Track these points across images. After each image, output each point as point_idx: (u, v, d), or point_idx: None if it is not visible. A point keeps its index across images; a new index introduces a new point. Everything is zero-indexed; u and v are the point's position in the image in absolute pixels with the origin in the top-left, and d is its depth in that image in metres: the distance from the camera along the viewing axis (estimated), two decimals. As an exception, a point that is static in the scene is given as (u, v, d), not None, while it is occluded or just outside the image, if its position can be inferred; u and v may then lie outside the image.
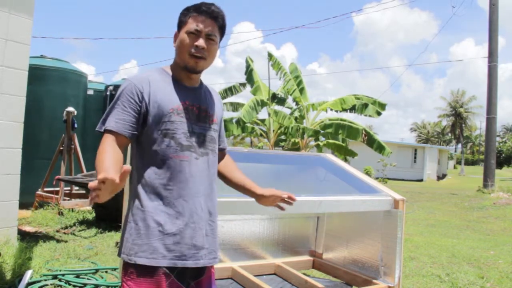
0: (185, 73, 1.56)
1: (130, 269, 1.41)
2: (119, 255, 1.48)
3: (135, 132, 1.46)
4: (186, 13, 1.55)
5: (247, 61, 15.29)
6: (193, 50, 1.50)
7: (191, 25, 1.52)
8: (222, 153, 1.81)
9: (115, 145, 1.40)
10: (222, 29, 1.59)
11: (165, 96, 1.50)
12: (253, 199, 1.95)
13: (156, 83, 1.51)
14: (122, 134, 1.43)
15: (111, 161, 1.32)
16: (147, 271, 1.40)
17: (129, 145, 1.54)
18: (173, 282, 1.43)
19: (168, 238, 1.42)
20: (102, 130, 1.44)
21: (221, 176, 1.80)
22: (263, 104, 14.34)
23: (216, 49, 1.58)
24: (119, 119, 1.44)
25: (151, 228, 1.42)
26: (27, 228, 5.17)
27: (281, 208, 1.79)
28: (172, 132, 1.47)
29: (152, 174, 1.46)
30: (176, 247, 1.43)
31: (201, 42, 1.50)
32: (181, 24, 1.56)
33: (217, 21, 1.55)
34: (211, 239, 1.54)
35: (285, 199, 1.76)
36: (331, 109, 14.77)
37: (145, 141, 1.48)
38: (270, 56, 15.22)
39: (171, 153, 1.47)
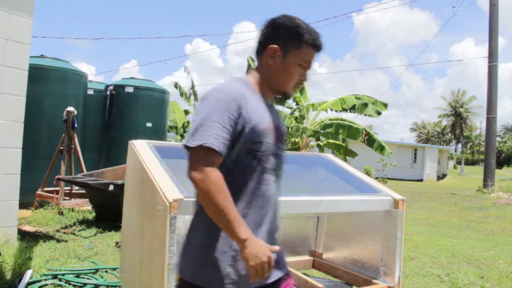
0: (269, 92, 1.47)
1: None
2: None
3: (226, 152, 1.30)
4: (299, 38, 1.42)
5: (248, 61, 15.28)
6: (298, 83, 1.47)
7: (306, 57, 1.43)
8: None
9: (218, 171, 1.27)
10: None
11: (258, 114, 1.36)
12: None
13: (249, 99, 1.36)
14: (220, 153, 1.27)
15: (236, 210, 1.26)
16: None
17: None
18: None
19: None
20: (195, 145, 1.27)
21: None
22: (263, 104, 14.34)
23: None
24: (217, 135, 1.26)
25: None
26: (27, 228, 5.17)
27: None
28: (260, 154, 1.36)
29: (235, 198, 1.30)
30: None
31: (306, 77, 1.47)
32: (289, 47, 1.42)
33: (320, 52, 1.48)
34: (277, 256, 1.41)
35: None
36: (331, 109, 14.76)
37: (229, 163, 1.34)
38: (270, 56, 15.21)
39: (255, 175, 1.37)
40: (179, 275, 1.40)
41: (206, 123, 1.28)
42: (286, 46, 1.42)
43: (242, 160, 1.35)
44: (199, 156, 1.27)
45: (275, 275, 1.42)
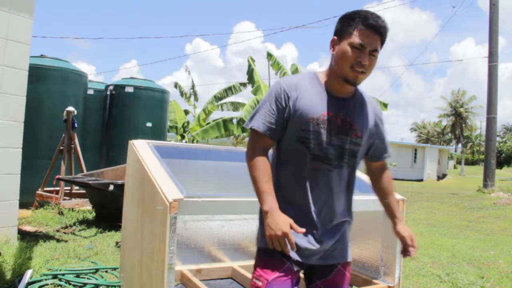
0: (339, 82, 1.53)
1: None
2: None
3: (277, 135, 1.54)
4: (351, 22, 1.48)
5: (248, 61, 15.27)
6: (356, 65, 1.47)
7: (356, 38, 1.46)
8: (381, 165, 1.75)
9: (262, 151, 1.53)
10: (384, 42, 1.53)
11: (309, 105, 1.51)
12: (253, 199, 1.96)
13: (304, 90, 1.53)
14: (266, 135, 1.52)
15: (269, 185, 1.49)
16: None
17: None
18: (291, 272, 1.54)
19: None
20: (249, 127, 1.55)
21: (377, 192, 1.80)
22: (263, 104, 14.34)
23: (376, 62, 1.54)
24: (265, 121, 1.52)
25: None
26: (27, 228, 5.17)
27: (405, 255, 1.71)
28: (308, 141, 1.51)
29: (285, 178, 1.55)
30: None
31: (365, 59, 1.47)
32: (343, 33, 1.50)
33: (382, 35, 1.50)
34: (333, 242, 1.59)
35: (408, 249, 1.69)
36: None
37: (284, 145, 1.56)
38: (269, 56, 15.21)
39: (304, 161, 1.52)
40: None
41: (259, 109, 1.55)
42: (341, 34, 1.51)
43: (293, 145, 1.53)
44: (250, 136, 1.57)
45: (321, 261, 1.57)
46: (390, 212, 1.76)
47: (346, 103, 1.56)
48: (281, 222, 1.43)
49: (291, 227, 1.43)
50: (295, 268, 1.54)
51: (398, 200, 2.84)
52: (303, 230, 1.46)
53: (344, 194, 1.61)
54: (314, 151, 1.51)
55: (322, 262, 1.58)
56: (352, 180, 1.63)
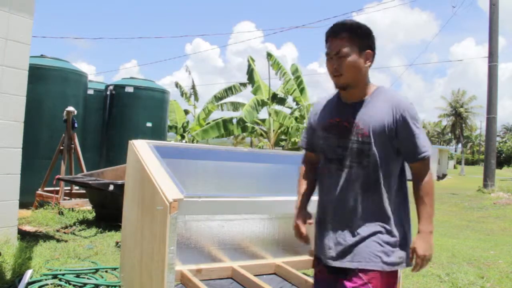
0: (341, 90, 1.69)
1: None
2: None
3: (316, 148, 1.79)
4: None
5: (248, 61, 15.27)
6: (331, 73, 1.65)
7: (326, 49, 1.66)
8: (417, 167, 1.64)
9: (305, 161, 1.88)
10: (352, 35, 1.60)
11: (321, 115, 1.75)
12: (254, 199, 1.96)
13: (320, 105, 1.79)
14: (306, 149, 1.87)
15: (301, 188, 1.83)
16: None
17: None
18: (323, 271, 1.70)
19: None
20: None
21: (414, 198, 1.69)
22: (263, 104, 14.34)
23: (351, 60, 1.59)
24: (303, 137, 1.88)
25: None
26: (27, 228, 5.17)
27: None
28: (322, 147, 1.73)
29: (318, 183, 1.80)
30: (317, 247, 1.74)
31: (332, 64, 1.63)
32: None
33: (340, 35, 1.60)
34: (348, 245, 1.60)
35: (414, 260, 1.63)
36: (331, 109, 14.73)
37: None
38: (269, 56, 15.20)
39: (321, 165, 1.75)
40: None
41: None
42: None
43: (320, 154, 1.76)
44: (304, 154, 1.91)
45: (333, 258, 1.62)
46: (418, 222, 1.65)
47: (356, 107, 1.65)
48: (296, 218, 1.76)
49: (298, 226, 1.74)
50: (322, 266, 1.68)
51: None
52: (304, 230, 1.74)
53: (361, 195, 1.60)
54: (327, 155, 1.69)
55: (337, 263, 1.60)
56: (372, 182, 1.60)
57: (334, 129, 1.66)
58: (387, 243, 1.58)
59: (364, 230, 1.59)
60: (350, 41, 1.59)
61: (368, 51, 1.63)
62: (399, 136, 1.61)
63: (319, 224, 1.71)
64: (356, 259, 1.57)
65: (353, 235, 1.59)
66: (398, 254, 1.60)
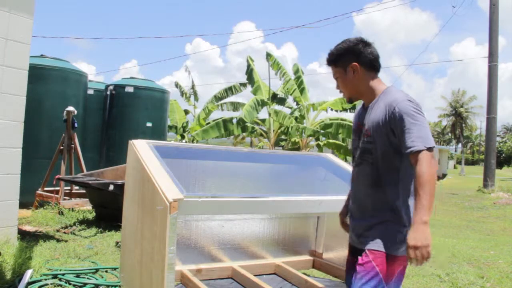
0: (350, 102, 2.02)
1: None
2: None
3: None
4: None
5: (247, 61, 15.26)
6: (340, 91, 1.98)
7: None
8: (413, 160, 1.67)
9: None
10: (338, 58, 1.91)
11: (353, 121, 2.02)
12: (254, 199, 1.96)
13: (356, 110, 2.03)
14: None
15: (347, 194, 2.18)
16: None
17: None
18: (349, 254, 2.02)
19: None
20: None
21: None
22: (263, 104, 14.33)
23: (346, 79, 1.89)
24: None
25: None
26: (27, 228, 5.17)
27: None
28: (352, 150, 1.99)
29: None
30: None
31: (336, 86, 1.97)
32: None
33: (331, 61, 1.94)
34: (362, 231, 1.86)
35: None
36: (332, 109, 14.76)
37: None
38: (268, 56, 15.19)
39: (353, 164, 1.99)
40: None
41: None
42: None
43: None
44: None
45: (355, 242, 1.91)
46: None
47: (368, 112, 1.87)
48: (339, 212, 2.17)
49: (340, 218, 2.15)
50: (349, 249, 2.00)
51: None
52: (343, 221, 2.14)
53: (371, 189, 1.83)
54: (353, 154, 1.95)
55: (355, 245, 1.91)
56: (376, 177, 1.80)
57: (356, 133, 1.94)
58: (394, 229, 1.76)
59: (374, 219, 1.81)
60: (339, 62, 1.90)
61: (353, 63, 1.85)
62: (394, 131, 1.73)
63: (349, 214, 2.02)
64: (366, 242, 1.81)
65: (366, 223, 1.84)
66: (403, 241, 1.71)
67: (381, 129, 1.75)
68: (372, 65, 1.86)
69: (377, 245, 1.76)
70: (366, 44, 1.87)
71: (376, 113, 1.78)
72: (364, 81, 1.86)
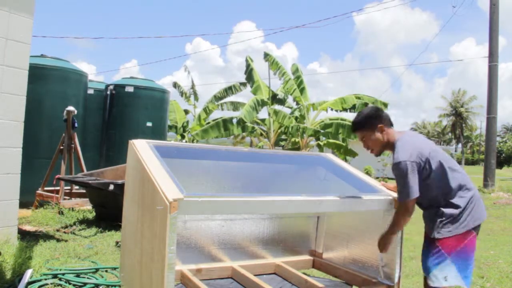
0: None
1: None
2: None
3: None
4: None
5: (247, 61, 15.25)
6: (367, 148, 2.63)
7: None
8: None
9: None
10: (359, 127, 2.58)
11: None
12: (254, 199, 1.96)
13: None
14: None
15: None
16: None
17: None
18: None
19: None
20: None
21: None
22: (263, 103, 14.32)
23: (372, 138, 2.54)
24: None
25: None
26: (27, 227, 5.18)
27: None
28: None
29: None
30: None
31: (365, 146, 2.61)
32: None
33: (355, 131, 2.62)
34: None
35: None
36: (332, 109, 14.75)
37: None
38: (266, 56, 15.17)
39: None
40: None
41: None
42: None
43: None
44: None
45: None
46: None
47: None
48: None
49: None
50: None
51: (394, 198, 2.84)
52: None
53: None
54: None
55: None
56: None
57: None
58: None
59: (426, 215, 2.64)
60: (363, 128, 2.58)
61: (379, 125, 2.52)
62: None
63: None
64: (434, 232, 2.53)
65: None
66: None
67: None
68: (391, 122, 2.58)
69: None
70: (381, 109, 2.65)
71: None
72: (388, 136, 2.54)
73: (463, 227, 2.38)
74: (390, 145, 2.51)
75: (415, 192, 2.35)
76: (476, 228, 2.43)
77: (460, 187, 2.43)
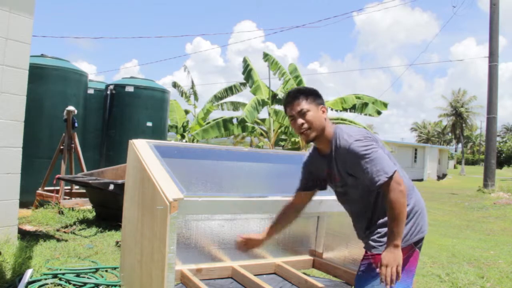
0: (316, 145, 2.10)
1: None
2: None
3: None
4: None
5: (245, 61, 15.23)
6: (298, 131, 2.00)
7: (288, 114, 2.03)
8: (384, 191, 1.89)
9: None
10: (308, 95, 2.00)
11: (318, 169, 2.17)
12: (254, 199, 1.96)
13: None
14: None
15: None
16: None
17: None
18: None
19: None
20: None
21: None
22: (263, 103, 14.32)
23: (314, 114, 1.97)
24: None
25: None
26: (28, 227, 5.18)
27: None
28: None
29: None
30: None
31: (297, 122, 1.97)
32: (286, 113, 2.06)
33: (298, 97, 1.98)
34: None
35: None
36: (332, 109, 14.75)
37: None
38: (266, 56, 15.16)
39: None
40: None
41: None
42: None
43: None
44: None
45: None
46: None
47: (329, 159, 2.02)
48: None
49: None
50: None
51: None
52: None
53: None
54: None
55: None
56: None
57: (329, 179, 2.19)
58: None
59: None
60: (307, 98, 2.01)
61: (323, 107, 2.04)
62: (358, 172, 1.90)
63: None
64: (370, 247, 2.03)
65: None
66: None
67: (346, 173, 1.99)
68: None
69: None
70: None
71: (339, 161, 1.98)
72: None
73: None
74: (325, 134, 2.00)
75: (391, 163, 1.88)
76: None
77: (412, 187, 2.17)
